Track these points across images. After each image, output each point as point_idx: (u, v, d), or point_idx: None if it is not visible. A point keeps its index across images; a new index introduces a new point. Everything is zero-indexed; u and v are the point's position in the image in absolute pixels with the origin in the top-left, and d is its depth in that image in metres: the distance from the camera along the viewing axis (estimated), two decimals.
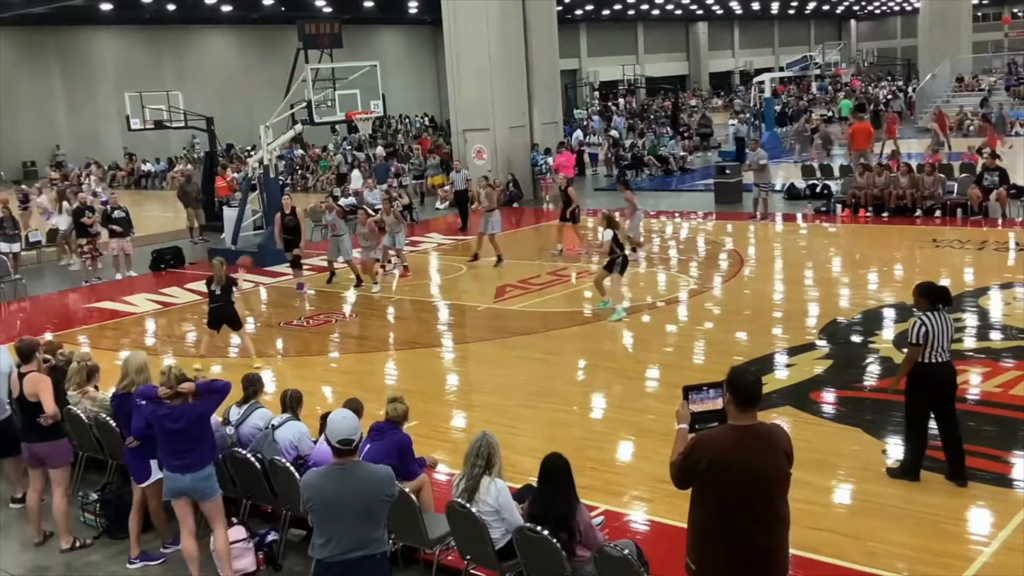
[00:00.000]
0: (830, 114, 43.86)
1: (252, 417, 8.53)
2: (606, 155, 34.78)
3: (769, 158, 23.74)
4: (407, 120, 58.85)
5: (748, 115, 40.01)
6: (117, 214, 20.41)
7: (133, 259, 20.78)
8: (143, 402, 7.55)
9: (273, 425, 8.17)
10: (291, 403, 8.40)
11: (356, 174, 29.97)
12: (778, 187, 26.43)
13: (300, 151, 42.60)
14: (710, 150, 37.72)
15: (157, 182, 41.20)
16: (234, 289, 13.29)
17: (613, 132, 39.88)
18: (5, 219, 20.93)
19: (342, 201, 25.52)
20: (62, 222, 23.33)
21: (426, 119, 59.31)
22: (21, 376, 8.27)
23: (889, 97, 48.61)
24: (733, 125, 38.04)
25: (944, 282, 15.58)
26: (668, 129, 39.61)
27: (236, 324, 13.38)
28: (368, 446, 7.44)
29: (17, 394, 8.33)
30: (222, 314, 13.18)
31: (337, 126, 35.32)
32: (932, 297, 8.23)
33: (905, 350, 8.48)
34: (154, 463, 7.83)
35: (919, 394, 8.23)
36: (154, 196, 35.46)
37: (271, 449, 7.93)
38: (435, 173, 31.28)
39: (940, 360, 8.09)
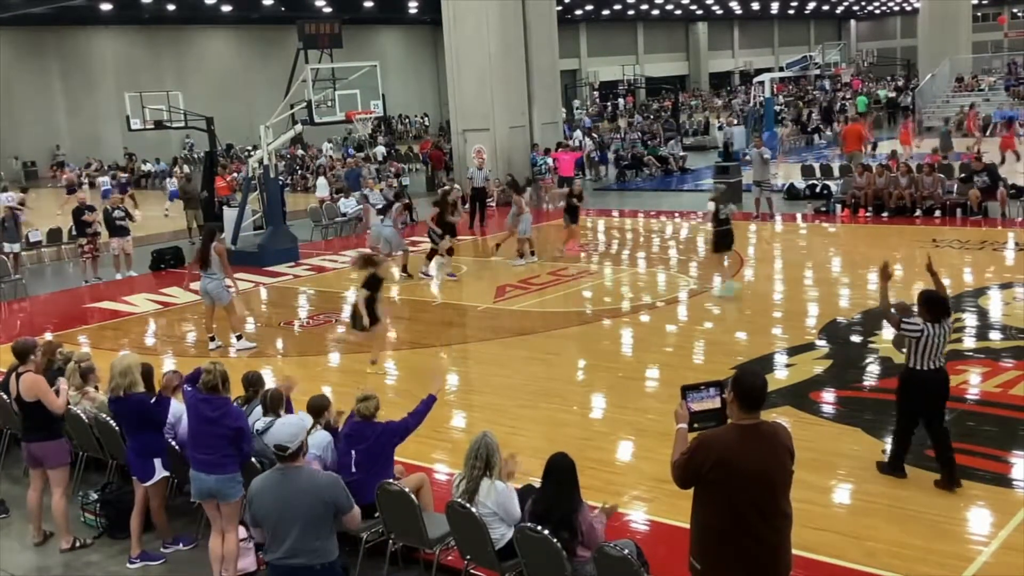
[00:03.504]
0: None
1: (250, 418, 8.46)
2: (588, 155, 34.35)
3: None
4: (407, 120, 58.81)
5: (745, 117, 39.93)
6: (117, 214, 20.45)
7: (133, 259, 20.79)
8: (188, 387, 7.59)
9: (258, 431, 8.04)
10: (272, 404, 8.22)
11: (322, 182, 29.38)
12: (778, 187, 26.44)
13: (301, 151, 42.56)
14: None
15: (157, 182, 41.14)
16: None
17: (594, 134, 39.65)
18: (7, 219, 21.01)
19: (342, 203, 25.54)
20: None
21: (425, 119, 59.23)
22: (18, 376, 8.24)
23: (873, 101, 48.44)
24: (722, 129, 38.03)
25: (944, 281, 15.65)
26: (638, 133, 39.58)
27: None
28: (353, 452, 7.41)
29: (14, 394, 8.31)
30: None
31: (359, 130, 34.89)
32: (934, 309, 8.22)
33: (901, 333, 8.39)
34: (158, 462, 7.84)
35: (911, 398, 8.32)
36: (154, 196, 35.39)
37: (266, 452, 7.82)
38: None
39: (935, 367, 8.18)
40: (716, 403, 5.24)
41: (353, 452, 7.45)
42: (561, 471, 6.37)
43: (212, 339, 14.23)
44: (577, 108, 56.34)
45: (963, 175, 21.58)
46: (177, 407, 8.52)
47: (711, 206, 15.72)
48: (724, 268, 16.08)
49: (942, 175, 21.60)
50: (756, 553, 5.05)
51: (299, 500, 5.47)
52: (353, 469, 7.39)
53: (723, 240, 15.94)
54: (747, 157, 25.27)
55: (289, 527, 5.47)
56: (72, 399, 9.35)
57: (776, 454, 5.07)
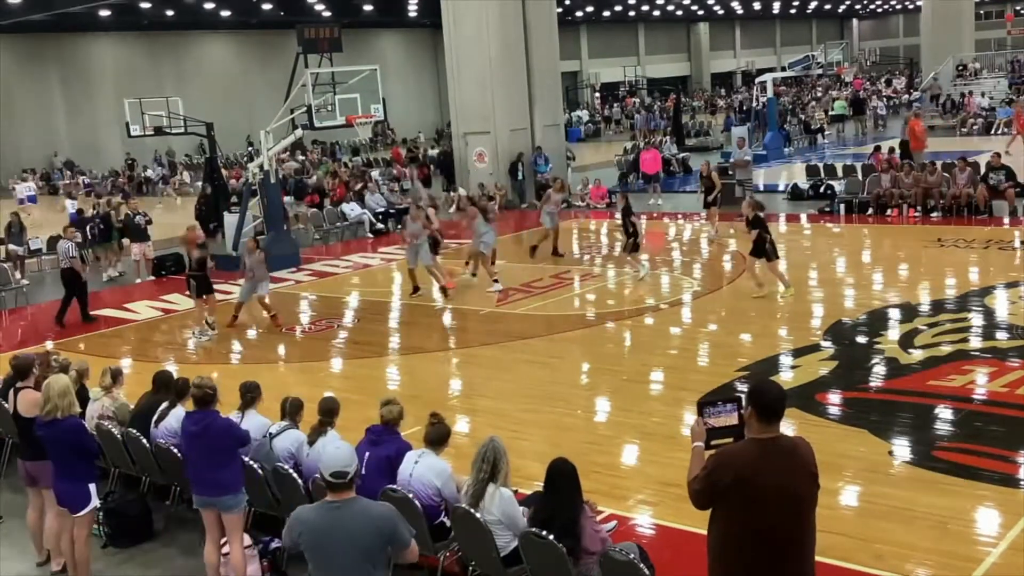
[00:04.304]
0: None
1: (244, 423, 8.36)
2: None
3: (772, 159, 23.60)
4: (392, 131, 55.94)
5: (743, 117, 39.92)
6: (139, 219, 20.86)
7: (142, 265, 20.90)
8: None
9: (271, 434, 8.02)
10: (290, 410, 8.27)
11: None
12: (781, 187, 26.36)
13: (303, 156, 42.49)
14: None
15: (158, 188, 41.18)
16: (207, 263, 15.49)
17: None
18: (13, 223, 21.30)
19: (343, 207, 25.50)
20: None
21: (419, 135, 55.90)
22: (16, 391, 8.10)
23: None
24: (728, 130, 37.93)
25: (949, 281, 15.60)
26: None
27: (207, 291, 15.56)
28: (367, 453, 7.36)
29: (12, 411, 8.17)
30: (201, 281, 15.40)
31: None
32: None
33: None
34: (93, 488, 7.46)
35: None
36: (155, 201, 35.41)
37: (268, 459, 7.78)
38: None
39: None
40: (734, 419, 5.07)
41: (367, 454, 7.34)
42: (561, 476, 6.31)
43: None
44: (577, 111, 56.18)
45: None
46: (179, 412, 8.46)
47: (746, 212, 15.51)
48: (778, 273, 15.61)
49: (946, 174, 21.32)
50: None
51: (352, 534, 4.91)
52: (363, 471, 7.31)
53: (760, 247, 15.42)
54: (735, 158, 25.28)
55: (345, 565, 4.94)
56: (94, 395, 9.29)
57: (795, 472, 4.85)
